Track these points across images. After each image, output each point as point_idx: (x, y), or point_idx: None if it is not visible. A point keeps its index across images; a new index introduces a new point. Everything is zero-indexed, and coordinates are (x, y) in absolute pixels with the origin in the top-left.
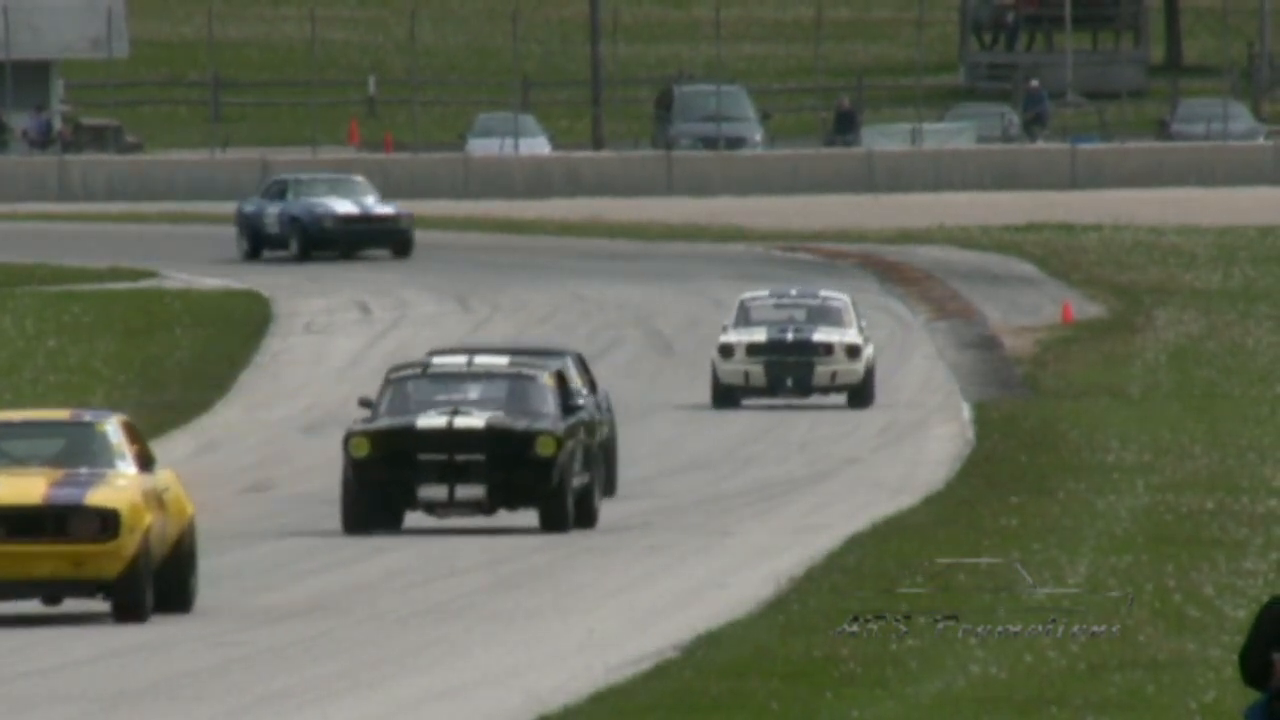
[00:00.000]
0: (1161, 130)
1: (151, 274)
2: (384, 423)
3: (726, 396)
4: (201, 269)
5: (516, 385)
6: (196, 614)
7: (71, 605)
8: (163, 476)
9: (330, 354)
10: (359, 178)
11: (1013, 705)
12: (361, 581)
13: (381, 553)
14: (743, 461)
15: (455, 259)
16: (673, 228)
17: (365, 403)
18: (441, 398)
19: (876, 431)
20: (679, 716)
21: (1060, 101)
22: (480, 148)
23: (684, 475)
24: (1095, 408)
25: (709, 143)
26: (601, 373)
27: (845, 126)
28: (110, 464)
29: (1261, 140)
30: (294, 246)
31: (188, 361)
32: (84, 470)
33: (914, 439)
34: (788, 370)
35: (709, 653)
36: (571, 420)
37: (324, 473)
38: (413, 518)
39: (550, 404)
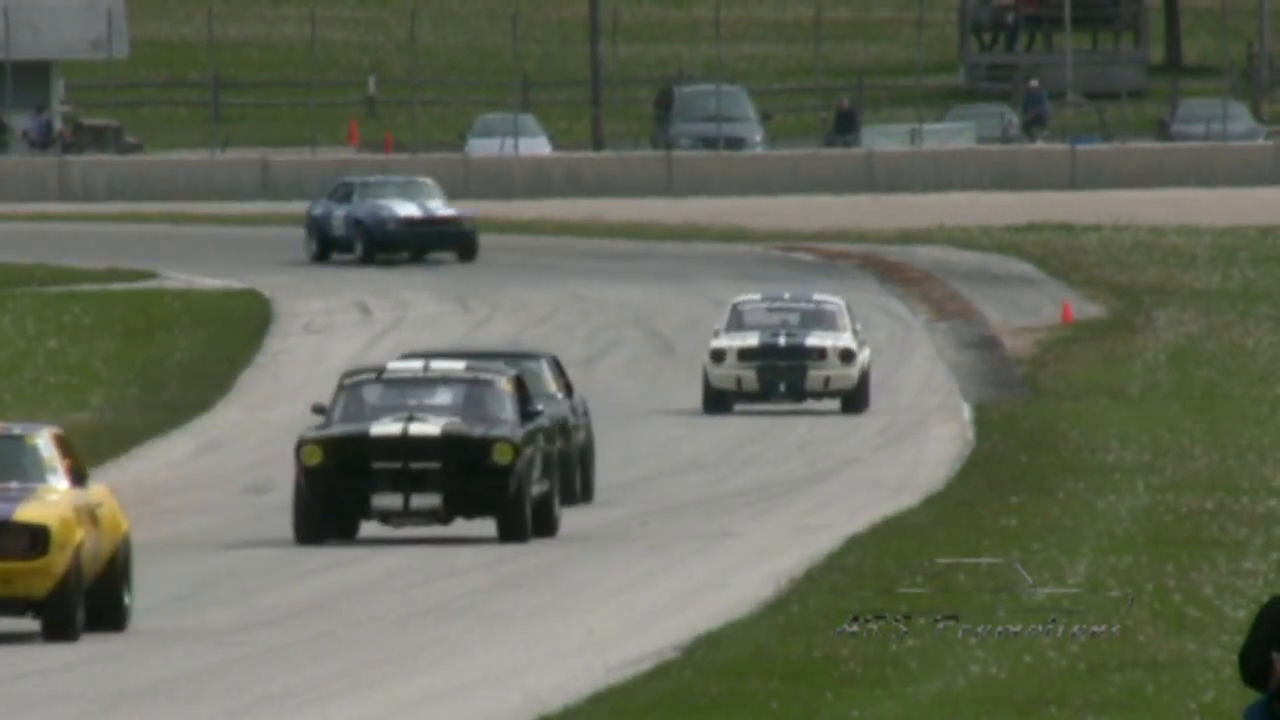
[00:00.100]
0: (1161, 130)
1: (151, 274)
2: (337, 429)
3: (718, 402)
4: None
5: (473, 390)
6: (130, 632)
7: (1, 624)
8: (96, 491)
9: (330, 354)
10: (427, 180)
11: (1013, 705)
12: (362, 582)
13: (382, 553)
14: (742, 462)
15: (455, 259)
16: (673, 228)
17: (319, 409)
18: (397, 404)
19: (876, 432)
20: (679, 716)
21: (1060, 102)
22: (480, 148)
23: (684, 475)
24: (1095, 408)
25: (709, 143)
26: (601, 373)
27: (845, 127)
28: (41, 478)
29: (1261, 140)
30: (358, 249)
31: (188, 362)
32: (13, 485)
33: (914, 439)
34: (780, 375)
35: (709, 653)
36: (530, 426)
37: None
38: (368, 527)
39: (508, 409)
